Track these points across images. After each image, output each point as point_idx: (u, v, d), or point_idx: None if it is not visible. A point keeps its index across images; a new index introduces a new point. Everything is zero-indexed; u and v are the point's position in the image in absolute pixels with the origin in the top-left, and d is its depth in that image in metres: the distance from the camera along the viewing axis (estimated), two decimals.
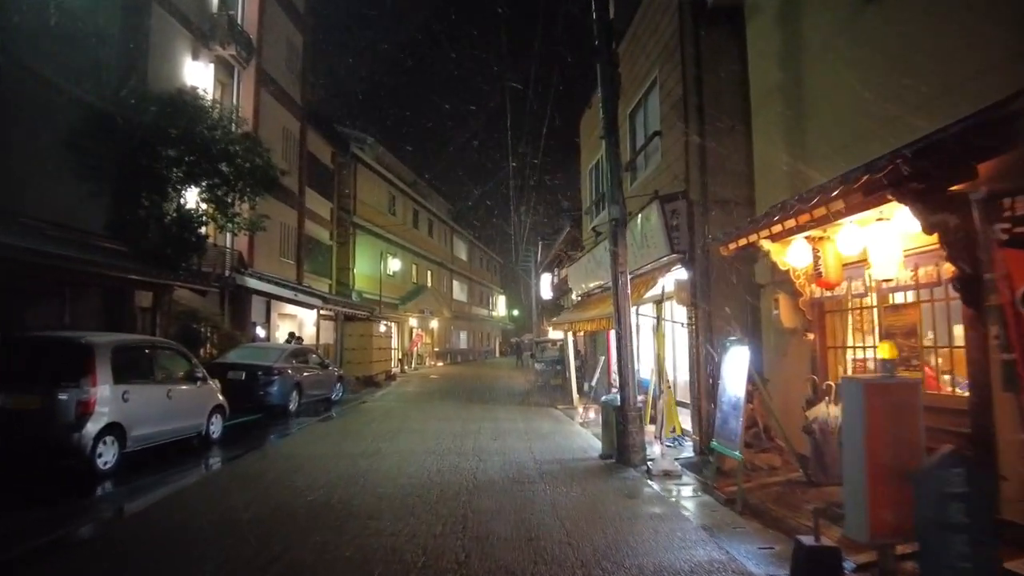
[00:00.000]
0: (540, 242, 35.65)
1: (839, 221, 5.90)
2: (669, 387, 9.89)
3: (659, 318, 8.87)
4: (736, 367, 6.79)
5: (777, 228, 6.61)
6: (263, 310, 20.94)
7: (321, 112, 28.12)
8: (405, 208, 36.26)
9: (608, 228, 9.27)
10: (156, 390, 8.85)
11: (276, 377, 14.02)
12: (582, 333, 17.70)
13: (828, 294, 7.12)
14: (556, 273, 36.59)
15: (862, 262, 6.47)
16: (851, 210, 5.55)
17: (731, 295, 9.48)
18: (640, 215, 10.32)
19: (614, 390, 14.61)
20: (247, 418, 13.08)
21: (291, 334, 20.79)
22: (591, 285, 15.08)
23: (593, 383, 14.23)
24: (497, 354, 59.57)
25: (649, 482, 7.74)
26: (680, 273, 10.09)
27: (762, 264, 8.43)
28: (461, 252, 49.17)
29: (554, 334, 32.64)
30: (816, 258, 6.41)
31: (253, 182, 15.26)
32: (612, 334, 16.28)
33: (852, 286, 6.78)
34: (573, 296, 27.58)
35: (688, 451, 9.68)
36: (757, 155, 8.67)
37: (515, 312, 67.40)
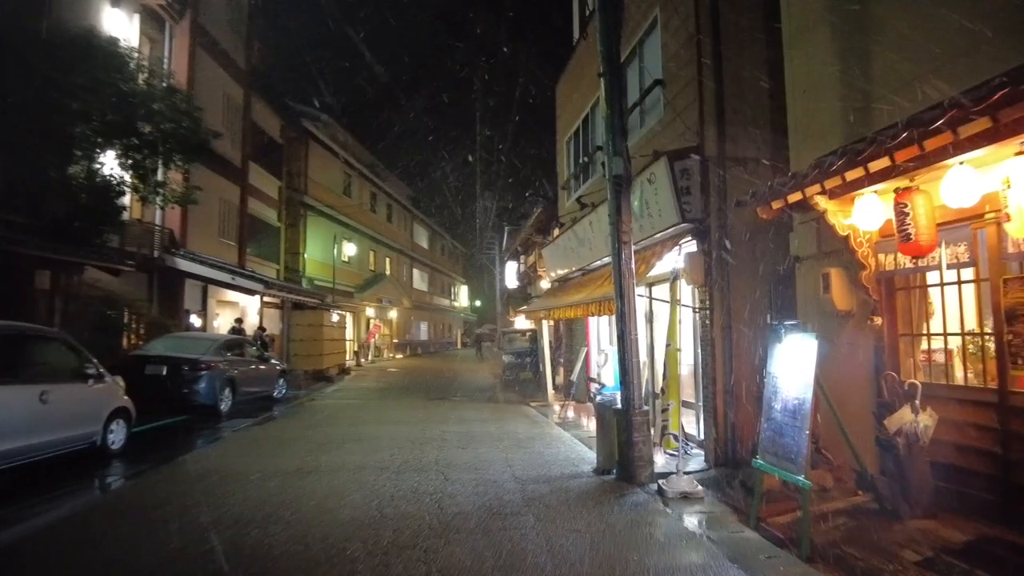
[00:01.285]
0: (505, 228, 33.80)
1: (943, 163, 4.26)
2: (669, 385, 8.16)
3: (673, 301, 7.16)
4: (796, 363, 5.08)
5: (835, 181, 4.98)
6: (199, 296, 18.67)
7: (270, 82, 25.75)
8: (362, 190, 33.99)
9: (609, 188, 7.48)
10: (21, 393, 6.75)
11: (204, 372, 11.93)
12: (552, 322, 15.92)
13: (906, 265, 5.47)
14: (522, 260, 34.84)
15: (971, 219, 4.82)
16: (970, 144, 3.94)
17: (756, 272, 7.82)
18: (639, 179, 8.56)
19: (594, 387, 12.88)
20: (168, 421, 11.00)
21: (238, 321, 18.56)
22: (571, 268, 13.33)
23: (573, 377, 12.52)
24: (459, 345, 57.61)
25: (665, 508, 6.01)
26: (690, 247, 8.40)
27: (803, 232, 6.76)
28: (422, 239, 47.01)
29: (520, 323, 30.94)
30: (901, 216, 4.72)
31: (180, 147, 13.07)
32: (591, 323, 14.60)
33: (945, 252, 5.14)
34: (542, 284, 25.87)
35: (696, 461, 8.02)
36: (792, 101, 6.98)
37: (478, 303, 65.52)
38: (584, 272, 13.11)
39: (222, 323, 20.11)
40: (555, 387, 15.18)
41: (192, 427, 10.96)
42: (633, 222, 9.25)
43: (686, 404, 9.27)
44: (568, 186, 15.01)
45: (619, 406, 7.39)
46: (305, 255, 26.83)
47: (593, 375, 13.38)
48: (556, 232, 16.49)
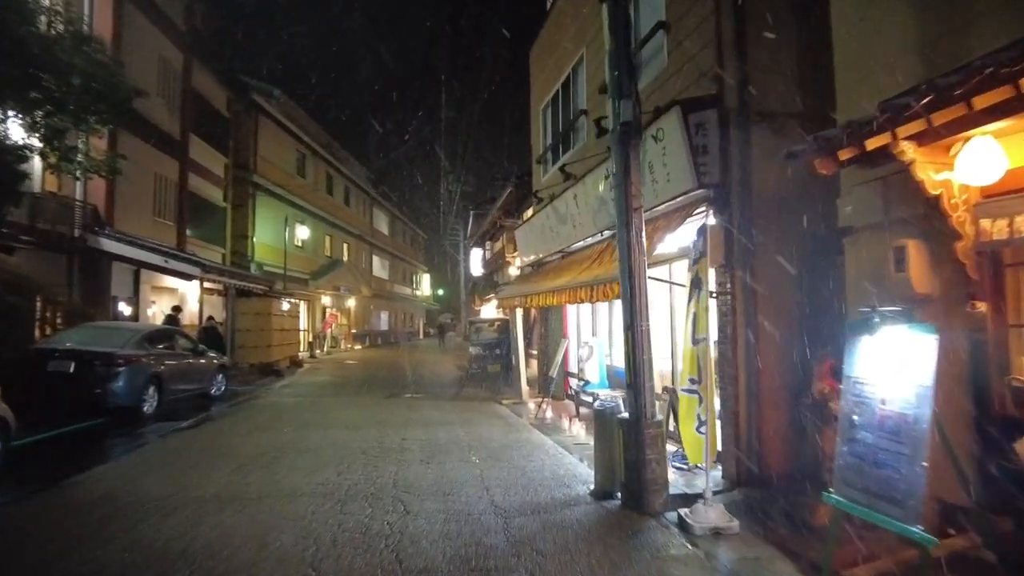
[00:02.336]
0: (471, 212, 32.17)
1: None
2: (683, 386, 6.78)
3: (699, 281, 5.71)
4: (900, 365, 3.67)
5: (949, 114, 3.62)
6: (130, 281, 16.64)
7: (217, 50, 23.57)
8: (317, 171, 31.92)
9: (613, 142, 5.97)
10: None
11: (121, 368, 10.11)
12: (524, 311, 14.40)
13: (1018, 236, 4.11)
14: (488, 247, 33.30)
15: None
16: None
17: (787, 250, 6.43)
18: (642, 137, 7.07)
19: (575, 383, 11.46)
20: (77, 427, 9.23)
21: (175, 309, 16.60)
22: (549, 250, 11.84)
23: (552, 373, 11.09)
24: (421, 335, 55.81)
25: (695, 551, 4.59)
26: (701, 220, 6.98)
27: (861, 196, 5.36)
28: (382, 225, 45.00)
29: (487, 313, 29.40)
30: None
31: (95, 105, 11.15)
32: (570, 313, 13.17)
33: None
34: (511, 271, 24.37)
35: (699, 475, 6.61)
36: (842, 32, 5.57)
37: (441, 292, 63.77)
38: (564, 254, 11.64)
39: (158, 312, 18.10)
40: (528, 382, 13.72)
41: (105, 434, 9.21)
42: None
43: None
44: (544, 160, 13.50)
45: (624, 414, 5.94)
46: (254, 239, 24.81)
47: (573, 370, 11.95)
48: (530, 212, 14.99)
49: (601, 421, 6.24)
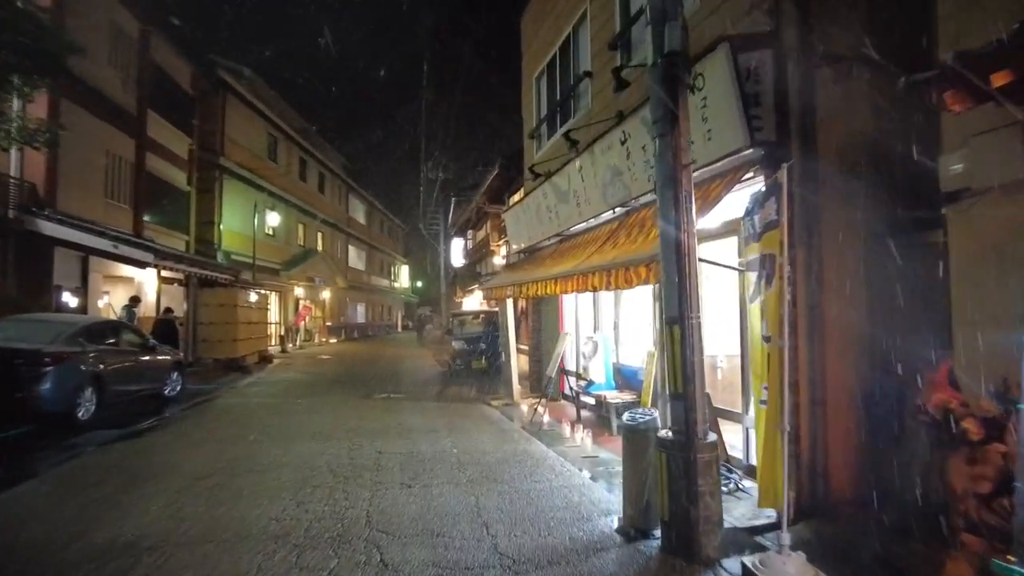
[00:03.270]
0: (452, 199, 30.73)
1: None
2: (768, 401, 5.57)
3: (767, 260, 4.43)
4: None
5: None
6: (77, 269, 15.01)
7: (179, 21, 21.80)
8: (290, 156, 30.24)
9: (654, 79, 4.63)
10: None
11: (49, 368, 8.63)
12: (511, 302, 13.05)
13: None
14: (470, 237, 31.90)
15: None
16: None
17: (863, 225, 5.18)
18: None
19: (573, 382, 10.18)
20: None
21: (133, 300, 15.00)
22: (545, 234, 10.53)
23: (549, 372, 9.81)
24: (399, 329, 54.23)
25: None
26: (752, 186, 5.72)
27: (980, 148, 4.13)
28: (359, 214, 43.30)
29: (470, 305, 28.04)
30: None
31: (21, 62, 9.64)
32: (566, 304, 11.87)
33: None
34: (496, 260, 23.01)
35: (750, 505, 5.36)
36: None
37: (419, 284, 62.19)
38: (563, 238, 10.34)
39: (112, 303, 16.47)
40: (519, 380, 12.41)
41: (26, 445, 7.76)
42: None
43: (723, 414, 6.66)
44: (537, 134, 12.16)
45: (665, 432, 4.65)
46: (221, 226, 23.15)
47: (573, 368, 10.66)
48: (519, 195, 13.65)
49: (633, 440, 4.95)
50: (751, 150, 5.38)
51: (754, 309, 4.82)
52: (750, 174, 5.68)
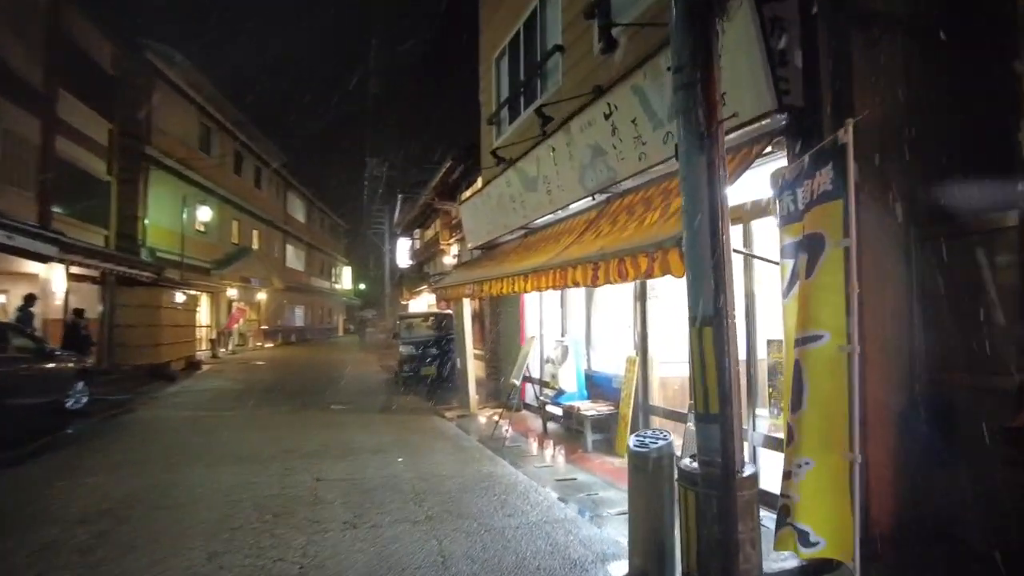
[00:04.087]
0: (399, 197, 29.38)
1: None
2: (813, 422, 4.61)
3: (815, 241, 3.51)
4: None
5: None
6: None
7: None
8: (224, 148, 28.32)
9: (677, 16, 3.63)
10: None
11: None
12: (469, 303, 11.90)
13: None
14: (417, 236, 30.60)
15: None
16: None
17: (908, 209, 4.34)
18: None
19: (531, 391, 9.17)
20: None
21: (27, 299, 13.17)
22: (508, 227, 9.49)
23: (516, 380, 8.75)
24: (340, 332, 52.21)
25: None
26: (770, 164, 4.83)
27: None
28: (298, 212, 41.30)
29: (416, 306, 26.74)
30: None
31: None
32: (527, 306, 10.86)
33: None
34: (446, 260, 21.83)
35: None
36: None
37: (362, 286, 60.26)
38: (528, 231, 9.33)
39: (10, 302, 14.56)
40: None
41: None
42: (660, 121, 5.66)
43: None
44: (498, 119, 11.13)
45: (687, 462, 3.65)
46: (146, 220, 21.23)
47: (538, 376, 9.65)
48: (474, 189, 12.58)
49: (643, 471, 3.95)
50: (769, 120, 4.50)
51: (790, 306, 3.90)
52: (768, 148, 4.79)
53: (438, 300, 22.94)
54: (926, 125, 4.37)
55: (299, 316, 40.88)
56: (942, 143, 4.36)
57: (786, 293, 3.90)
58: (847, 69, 4.40)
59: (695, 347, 3.58)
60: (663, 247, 4.44)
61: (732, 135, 4.83)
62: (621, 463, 6.91)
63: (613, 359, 8.51)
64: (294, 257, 39.96)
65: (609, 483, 6.17)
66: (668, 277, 4.48)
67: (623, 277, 5.02)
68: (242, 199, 29.78)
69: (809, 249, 3.62)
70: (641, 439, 4.07)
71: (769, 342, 5.36)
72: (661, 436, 4.08)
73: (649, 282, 7.25)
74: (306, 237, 42.33)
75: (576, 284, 5.84)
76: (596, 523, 5.01)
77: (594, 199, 7.05)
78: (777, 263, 4.24)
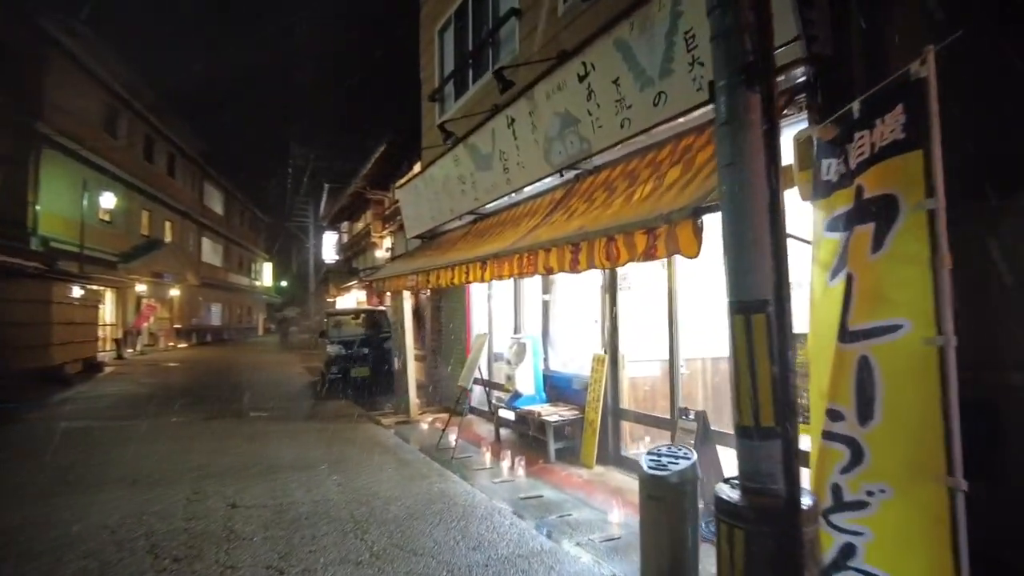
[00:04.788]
0: (325, 187, 27.83)
1: None
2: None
3: (892, 206, 2.79)
4: None
5: None
6: None
7: None
8: (134, 131, 26.04)
9: None
10: None
11: None
12: (409, 298, 10.81)
13: None
14: (345, 228, 29.09)
15: None
16: None
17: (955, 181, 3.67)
18: None
19: (493, 395, 8.26)
20: None
21: None
22: (459, 209, 8.53)
23: (467, 384, 7.77)
24: (261, 331, 49.62)
25: None
26: (792, 126, 4.09)
27: None
28: (215, 203, 38.78)
29: (344, 304, 25.29)
30: None
31: None
32: (473, 300, 9.93)
33: None
34: (379, 253, 20.58)
35: None
36: None
37: (284, 283, 57.64)
38: (479, 216, 8.43)
39: None
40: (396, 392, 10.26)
41: None
42: (648, 75, 4.86)
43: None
44: (441, 96, 10.16)
45: (726, 489, 2.83)
46: (38, 205, 19.05)
47: (489, 377, 8.73)
48: (417, 170, 11.54)
49: (658, 499, 3.11)
50: (784, 76, 3.78)
51: (835, 290, 3.14)
52: (786, 111, 4.06)
53: (369, 296, 21.69)
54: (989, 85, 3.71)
55: (216, 314, 38.40)
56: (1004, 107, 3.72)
57: (834, 275, 3.14)
58: (884, 15, 3.71)
59: (740, 341, 2.76)
60: (671, 220, 3.64)
61: None
62: (590, 475, 6.10)
63: (574, 358, 7.71)
64: (211, 251, 37.50)
65: (581, 500, 5.34)
66: (654, 261, 3.70)
67: (612, 260, 4.18)
68: (154, 187, 27.52)
69: (875, 216, 2.86)
70: (656, 458, 3.23)
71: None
72: (682, 453, 3.26)
73: (620, 271, 6.48)
74: (224, 230, 39.84)
75: (548, 271, 4.97)
76: (581, 555, 4.15)
77: (562, 176, 6.21)
78: (807, 242, 3.49)
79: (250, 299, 48.22)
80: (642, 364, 6.62)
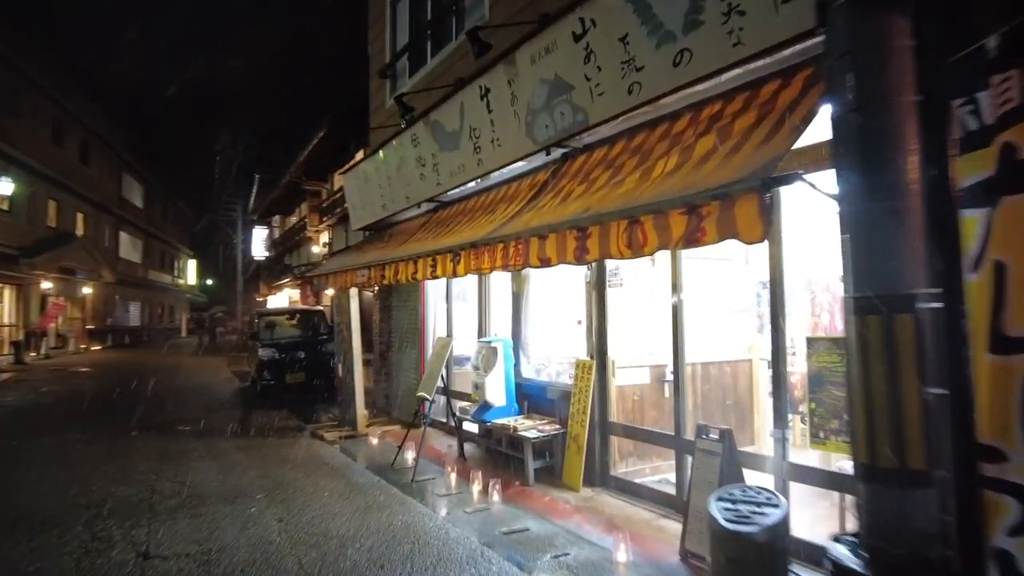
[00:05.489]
0: (256, 178, 26.16)
1: None
2: None
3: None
4: None
5: None
6: None
7: None
8: (40, 111, 23.75)
9: None
10: None
11: None
12: (347, 295, 9.69)
13: None
14: (277, 223, 27.48)
15: None
16: None
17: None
18: None
19: (456, 406, 7.33)
20: None
21: None
22: (418, 195, 7.56)
23: (429, 394, 6.78)
24: (184, 333, 46.78)
25: None
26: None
27: None
28: (135, 195, 36.14)
29: (277, 303, 23.77)
30: None
31: None
32: (429, 300, 8.99)
33: None
34: (315, 248, 19.25)
35: None
36: None
37: (209, 281, 54.76)
38: (441, 204, 7.52)
39: None
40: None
41: None
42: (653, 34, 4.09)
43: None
44: (393, 72, 9.19)
45: (845, 554, 2.05)
46: None
47: (444, 385, 7.80)
48: (361, 154, 10.50)
49: (741, 561, 2.32)
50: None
51: (978, 285, 2.40)
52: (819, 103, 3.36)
53: (304, 295, 20.29)
54: None
55: (135, 314, 35.81)
56: None
57: (974, 265, 2.41)
58: None
59: (872, 351, 1.99)
60: (727, 195, 2.85)
61: (789, 50, 3.38)
62: (578, 500, 5.29)
63: (549, 364, 6.90)
64: (130, 246, 34.92)
65: (575, 534, 4.51)
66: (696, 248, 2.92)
67: (637, 247, 3.39)
68: (63, 175, 25.20)
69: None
70: (731, 506, 2.44)
71: (811, 341, 3.94)
72: (764, 498, 2.48)
73: (611, 265, 5.72)
74: (144, 224, 37.22)
75: (544, 262, 4.12)
76: None
77: (548, 154, 5.37)
78: None
79: (172, 298, 45.41)
80: (631, 371, 5.87)
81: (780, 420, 4.01)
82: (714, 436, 4.07)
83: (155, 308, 40.47)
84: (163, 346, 30.31)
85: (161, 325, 40.78)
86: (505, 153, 5.68)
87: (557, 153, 5.33)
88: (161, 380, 16.01)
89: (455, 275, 5.20)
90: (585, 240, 3.72)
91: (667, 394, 6.09)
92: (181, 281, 47.90)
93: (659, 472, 5.90)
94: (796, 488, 3.96)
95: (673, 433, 4.97)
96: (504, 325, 7.22)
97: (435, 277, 5.58)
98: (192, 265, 50.25)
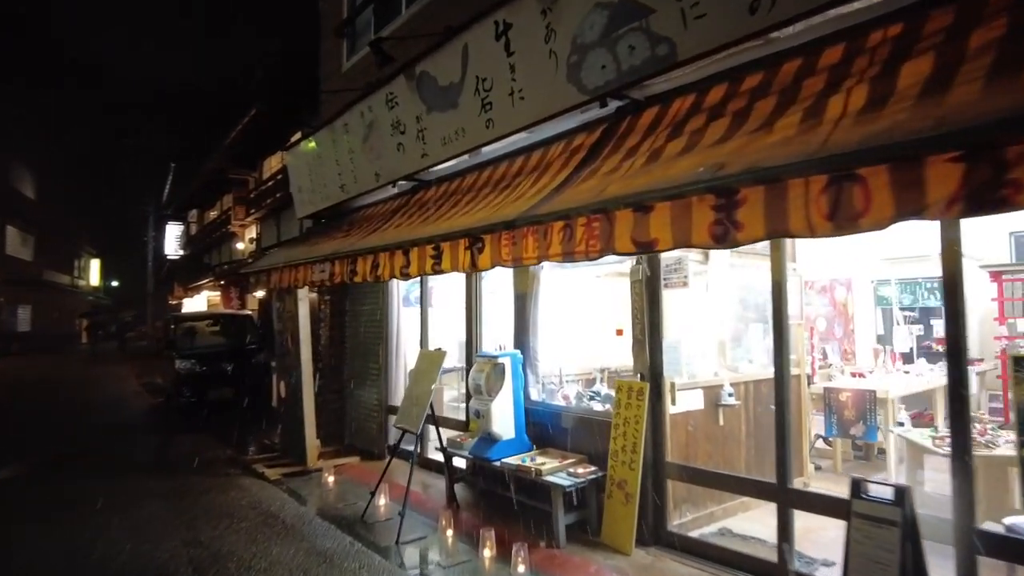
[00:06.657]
0: (171, 168, 23.63)
1: None
2: None
3: None
4: None
5: None
6: None
7: None
8: None
9: None
10: None
11: None
12: (295, 297, 7.95)
13: None
14: (194, 218, 24.97)
15: None
16: None
17: None
18: None
19: (445, 438, 5.81)
20: None
21: None
22: (392, 173, 6.04)
23: (410, 426, 5.24)
24: (85, 339, 42.53)
25: None
26: None
27: None
28: (27, 186, 32.35)
29: (194, 306, 21.35)
30: None
31: None
32: (393, 306, 7.44)
33: None
34: (239, 246, 17.15)
35: None
36: None
37: (116, 283, 50.41)
38: (421, 183, 6.04)
39: None
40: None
41: None
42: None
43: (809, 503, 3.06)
44: (352, 30, 7.65)
45: None
46: None
47: (441, 411, 6.29)
48: (299, 135, 8.85)
49: None
50: None
51: None
52: None
53: (226, 298, 18.11)
54: None
55: (23, 319, 31.97)
56: None
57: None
58: None
59: None
60: None
61: None
62: (636, 571, 3.94)
63: (562, 383, 5.56)
64: (19, 243, 31.17)
65: None
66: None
67: (846, 219, 2.10)
68: None
69: None
70: None
71: (1018, 360, 2.77)
72: None
73: (668, 259, 4.45)
74: (38, 218, 33.39)
75: (641, 247, 2.77)
76: None
77: (604, 106, 4.01)
78: None
79: (72, 301, 41.19)
80: (687, 393, 4.59)
81: (961, 450, 2.83)
82: (884, 495, 2.84)
83: (50, 312, 36.41)
84: (60, 354, 26.99)
85: (58, 331, 36.73)
86: (532, 109, 4.28)
87: (612, 106, 3.99)
88: (55, 396, 13.66)
89: (474, 268, 3.77)
90: (734, 209, 2.40)
91: (721, 421, 4.89)
92: (83, 282, 43.66)
93: (714, 520, 4.67)
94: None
95: (775, 481, 3.71)
96: (501, 335, 5.84)
97: (437, 272, 4.13)
98: (95, 265, 45.97)
